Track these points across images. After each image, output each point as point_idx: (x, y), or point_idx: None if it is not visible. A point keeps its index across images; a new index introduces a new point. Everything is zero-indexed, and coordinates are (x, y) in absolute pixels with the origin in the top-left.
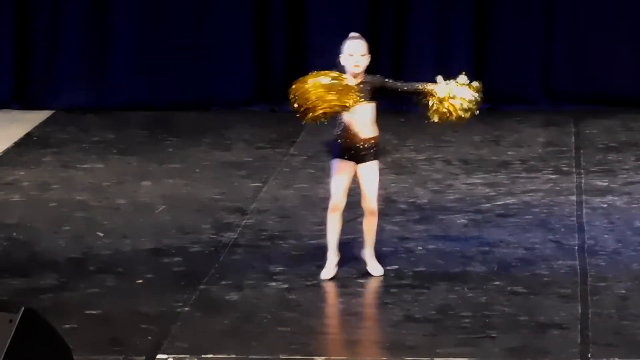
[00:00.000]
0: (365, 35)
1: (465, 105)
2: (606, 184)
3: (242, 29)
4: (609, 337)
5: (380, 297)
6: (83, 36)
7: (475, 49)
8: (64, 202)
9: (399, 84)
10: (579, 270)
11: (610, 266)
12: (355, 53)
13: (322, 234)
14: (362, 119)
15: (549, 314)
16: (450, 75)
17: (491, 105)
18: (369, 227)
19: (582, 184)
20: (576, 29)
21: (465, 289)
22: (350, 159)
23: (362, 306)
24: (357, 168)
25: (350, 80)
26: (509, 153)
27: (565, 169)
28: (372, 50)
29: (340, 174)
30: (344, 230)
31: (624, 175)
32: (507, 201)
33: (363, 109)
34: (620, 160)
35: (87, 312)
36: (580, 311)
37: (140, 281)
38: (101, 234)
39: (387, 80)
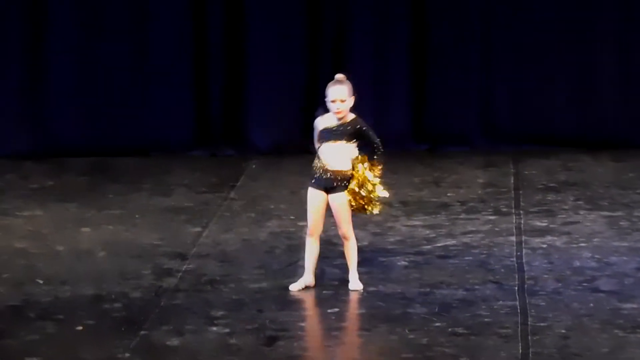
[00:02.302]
0: (303, 77)
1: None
2: (545, 224)
3: (180, 73)
4: None
5: (321, 340)
6: (20, 83)
7: (414, 91)
8: (3, 250)
9: (372, 136)
10: (519, 310)
11: (550, 306)
12: (336, 99)
13: (263, 278)
14: (337, 155)
15: (490, 355)
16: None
17: (430, 146)
18: (347, 251)
19: (522, 225)
20: (515, 70)
21: (407, 331)
22: (320, 188)
23: (303, 350)
24: (328, 198)
25: (333, 120)
26: (449, 194)
27: (504, 209)
28: (311, 94)
29: (312, 201)
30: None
31: (563, 215)
32: (447, 242)
33: (340, 147)
34: (559, 201)
35: (27, 359)
36: (521, 351)
37: (81, 328)
38: (41, 281)
39: (365, 129)
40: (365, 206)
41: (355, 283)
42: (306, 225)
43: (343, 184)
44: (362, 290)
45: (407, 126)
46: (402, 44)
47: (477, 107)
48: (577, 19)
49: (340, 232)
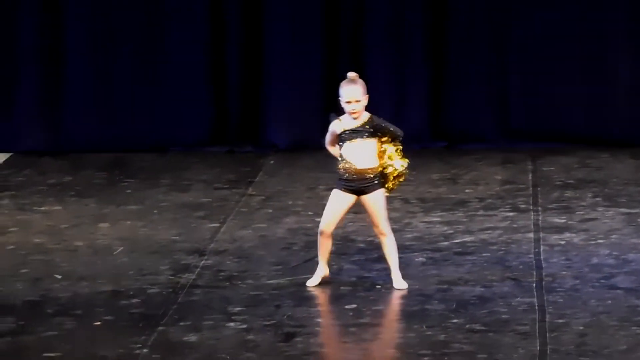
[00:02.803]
0: (322, 77)
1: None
2: (563, 221)
3: (199, 70)
4: None
5: (338, 337)
6: (39, 79)
7: (432, 89)
8: (22, 245)
9: (392, 129)
10: (537, 307)
11: (568, 303)
12: (351, 99)
13: (280, 274)
14: (363, 153)
15: (507, 352)
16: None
17: (448, 143)
18: (386, 248)
19: (540, 222)
20: (532, 67)
21: (424, 327)
22: (350, 191)
23: (320, 346)
24: (361, 200)
25: (350, 122)
26: (467, 191)
27: (522, 206)
28: (328, 90)
29: (336, 202)
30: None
31: (581, 212)
32: (465, 239)
33: (363, 144)
34: (577, 198)
35: (45, 355)
36: (538, 348)
37: (99, 323)
38: (59, 277)
39: (384, 125)
40: (397, 178)
41: (399, 282)
42: None
43: (376, 182)
44: (405, 289)
45: (424, 124)
46: (419, 41)
47: (495, 104)
48: (593, 17)
49: (377, 231)
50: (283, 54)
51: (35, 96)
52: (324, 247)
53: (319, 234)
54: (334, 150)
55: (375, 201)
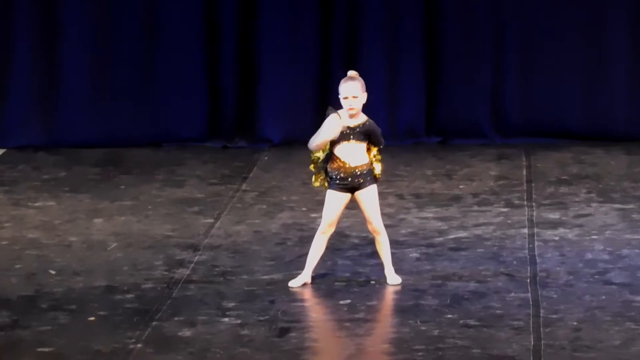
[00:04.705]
0: (316, 70)
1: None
2: (558, 216)
3: (194, 65)
4: None
5: (333, 332)
6: (33, 74)
7: (427, 84)
8: (16, 240)
9: (380, 138)
10: (531, 303)
11: (562, 298)
12: (349, 96)
13: (274, 270)
14: (356, 153)
15: (502, 347)
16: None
17: (442, 138)
18: (380, 246)
19: (534, 217)
20: (526, 63)
21: (418, 322)
22: (345, 190)
23: (314, 341)
24: (355, 196)
25: (348, 120)
26: (461, 187)
27: (517, 202)
28: (323, 86)
29: (333, 203)
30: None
31: (576, 208)
32: (459, 235)
33: (357, 146)
34: (571, 193)
35: (40, 349)
36: (532, 343)
37: (93, 318)
38: (53, 272)
39: (377, 131)
40: None
41: (392, 277)
42: (318, 218)
43: (368, 178)
44: (399, 284)
45: (419, 119)
46: (414, 37)
47: (489, 100)
48: (588, 12)
49: (371, 228)
50: (278, 50)
51: (30, 92)
52: (318, 250)
53: (318, 236)
54: (321, 145)
55: (369, 197)
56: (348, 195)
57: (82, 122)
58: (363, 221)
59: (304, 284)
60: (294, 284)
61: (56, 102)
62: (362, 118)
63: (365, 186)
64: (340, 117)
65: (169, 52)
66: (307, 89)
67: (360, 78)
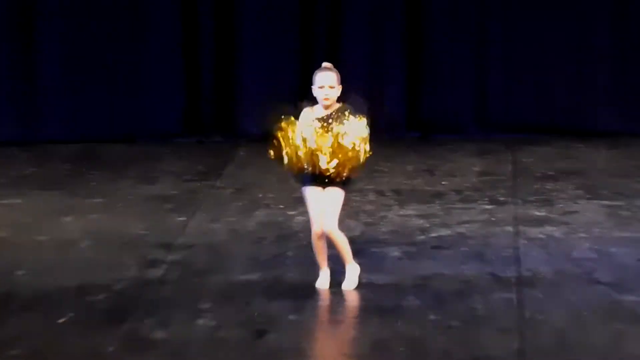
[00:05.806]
0: (296, 64)
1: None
2: (543, 213)
3: (170, 60)
4: None
5: (312, 333)
6: (6, 68)
7: (408, 78)
8: None
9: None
10: (516, 303)
11: (547, 298)
12: (324, 85)
13: (251, 269)
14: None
15: (485, 348)
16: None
17: (422, 134)
18: (336, 245)
19: (519, 214)
20: (509, 57)
21: (399, 323)
22: (317, 184)
23: (294, 343)
24: (324, 191)
25: (321, 110)
26: (443, 183)
27: (501, 198)
28: (303, 81)
29: (315, 200)
30: None
31: (562, 205)
32: (442, 233)
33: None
34: (557, 189)
35: (11, 352)
36: (517, 345)
37: (64, 320)
38: (23, 273)
39: (351, 109)
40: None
41: (349, 281)
42: (296, 216)
43: (337, 179)
44: (352, 289)
45: (400, 114)
46: (396, 32)
47: (471, 94)
48: (571, 7)
49: (326, 229)
50: (257, 44)
51: (4, 84)
52: (321, 249)
53: (314, 238)
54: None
55: (333, 196)
56: (321, 189)
57: (56, 117)
58: (341, 219)
59: (328, 276)
60: (319, 285)
61: (29, 96)
62: (336, 106)
63: (332, 185)
64: (313, 111)
65: (145, 46)
66: (285, 83)
67: (335, 70)
